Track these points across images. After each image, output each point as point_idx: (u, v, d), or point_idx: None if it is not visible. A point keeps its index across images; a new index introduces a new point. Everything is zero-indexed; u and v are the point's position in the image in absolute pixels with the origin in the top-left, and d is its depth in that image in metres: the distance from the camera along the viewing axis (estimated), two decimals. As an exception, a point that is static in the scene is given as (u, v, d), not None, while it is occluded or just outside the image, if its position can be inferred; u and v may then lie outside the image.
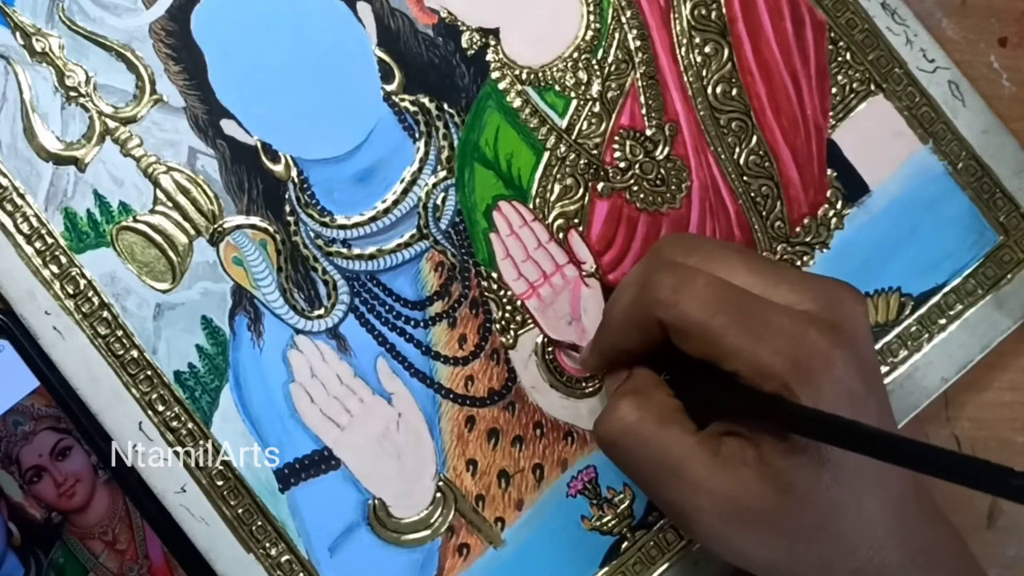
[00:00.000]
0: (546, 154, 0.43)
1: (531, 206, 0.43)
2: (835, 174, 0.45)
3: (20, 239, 0.40)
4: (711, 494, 0.33)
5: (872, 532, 0.34)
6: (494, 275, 0.43)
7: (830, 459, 0.32)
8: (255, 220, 0.42)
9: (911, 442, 0.29)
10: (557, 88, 0.43)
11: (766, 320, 0.33)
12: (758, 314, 0.33)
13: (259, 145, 0.42)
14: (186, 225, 0.41)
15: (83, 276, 0.40)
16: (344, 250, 0.42)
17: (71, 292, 0.40)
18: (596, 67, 0.44)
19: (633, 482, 0.36)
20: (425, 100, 0.43)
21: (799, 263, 0.44)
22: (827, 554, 0.34)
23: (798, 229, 0.44)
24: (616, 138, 0.44)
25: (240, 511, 0.41)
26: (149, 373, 0.41)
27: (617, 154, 0.44)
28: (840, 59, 0.45)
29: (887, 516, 0.34)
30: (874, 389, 0.34)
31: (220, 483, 0.41)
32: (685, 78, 0.44)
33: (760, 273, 0.34)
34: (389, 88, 0.43)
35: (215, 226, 0.41)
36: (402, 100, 0.43)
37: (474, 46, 0.43)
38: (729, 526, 0.33)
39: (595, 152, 0.44)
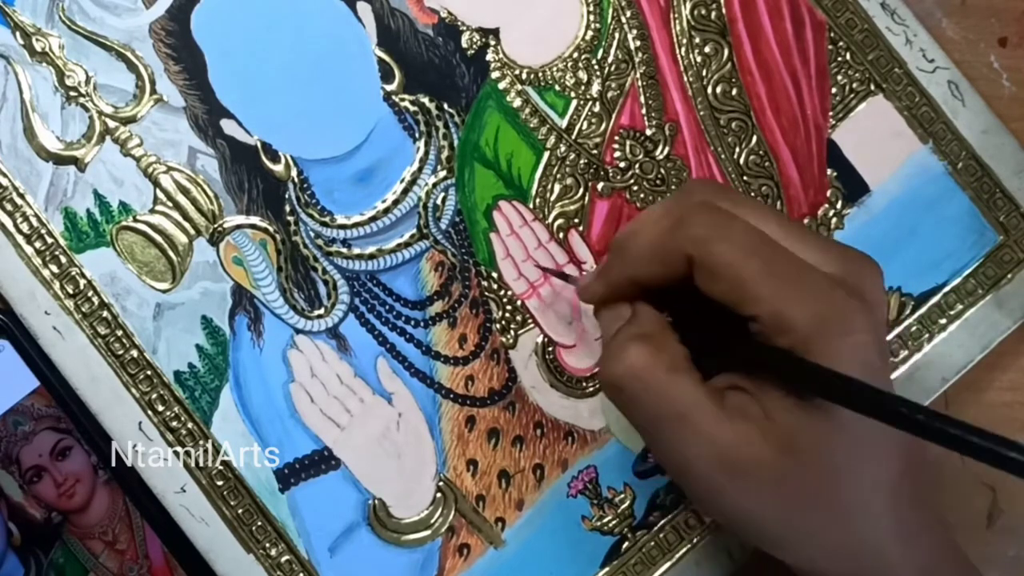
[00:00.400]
0: (546, 154, 0.43)
1: (531, 206, 0.43)
2: (835, 174, 0.45)
3: (20, 239, 0.40)
4: (712, 444, 0.33)
5: (867, 506, 0.34)
6: (494, 275, 0.43)
7: (835, 424, 0.32)
8: (255, 220, 0.42)
9: (925, 409, 0.29)
10: (557, 88, 0.43)
11: (797, 275, 0.32)
12: (789, 268, 0.33)
13: (259, 145, 0.42)
14: (186, 225, 0.41)
15: (83, 276, 0.40)
16: (344, 250, 0.42)
17: (71, 292, 0.40)
18: (596, 67, 0.44)
19: (635, 427, 0.36)
20: (425, 100, 0.43)
21: (799, 263, 0.44)
22: (820, 523, 0.34)
23: (798, 229, 0.44)
24: (616, 138, 0.44)
25: (240, 511, 0.41)
26: (149, 373, 0.41)
27: (617, 154, 0.44)
28: (840, 59, 0.45)
29: (882, 492, 0.34)
30: (886, 361, 0.34)
31: (220, 483, 0.41)
32: (685, 78, 0.44)
33: (789, 231, 0.34)
34: (389, 88, 0.43)
35: (215, 226, 0.41)
36: (402, 100, 0.43)
37: (474, 46, 0.43)
38: (727, 479, 0.33)
39: (595, 152, 0.44)
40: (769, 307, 0.32)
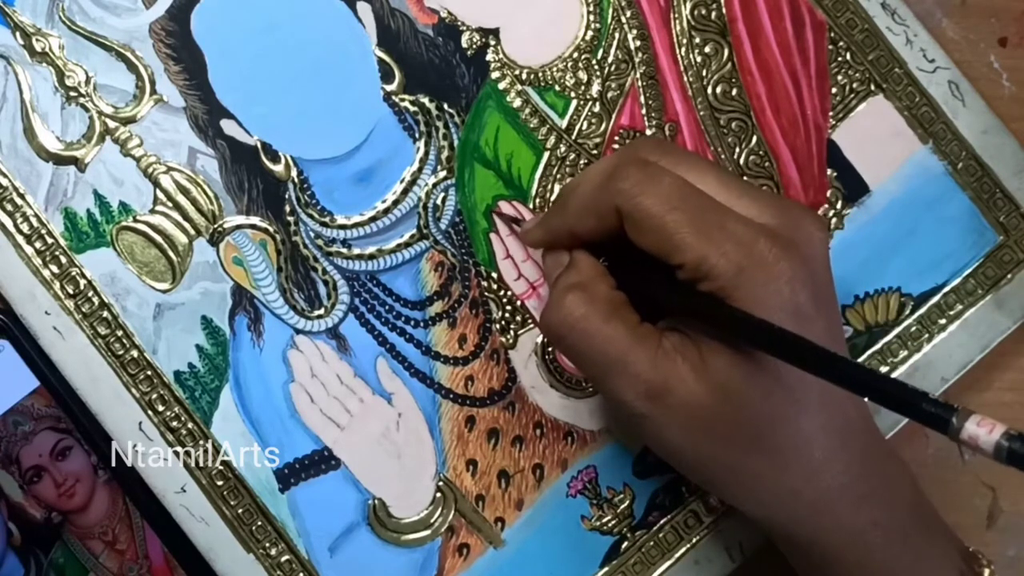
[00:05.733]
0: (546, 154, 0.43)
1: (531, 206, 0.43)
2: (835, 174, 0.45)
3: (20, 239, 0.40)
4: (648, 383, 0.34)
5: (808, 453, 0.34)
6: (494, 275, 0.43)
7: (768, 370, 0.33)
8: (255, 220, 0.42)
9: (836, 356, 0.30)
10: (557, 88, 0.43)
11: (721, 224, 0.33)
12: (715, 218, 0.34)
13: (259, 145, 0.42)
14: (186, 225, 0.41)
15: (83, 276, 0.40)
16: (344, 250, 0.42)
17: (71, 292, 0.40)
18: (596, 67, 0.44)
19: (582, 372, 0.37)
20: (425, 100, 0.43)
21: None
22: (760, 468, 0.34)
23: (798, 229, 0.44)
24: (616, 138, 0.44)
25: (240, 511, 0.41)
26: (149, 373, 0.41)
27: (617, 154, 0.44)
28: (840, 59, 0.45)
29: (827, 440, 0.34)
30: (824, 311, 0.34)
31: (220, 483, 0.41)
32: (685, 78, 0.44)
33: (727, 185, 0.35)
34: (389, 88, 0.43)
35: (215, 226, 0.41)
36: (402, 100, 0.43)
37: (474, 46, 0.43)
38: (663, 416, 0.34)
39: (595, 152, 0.44)
40: (692, 256, 0.33)
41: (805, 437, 0.34)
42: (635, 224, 0.34)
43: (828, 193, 0.44)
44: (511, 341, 0.43)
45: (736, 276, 0.32)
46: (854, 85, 0.45)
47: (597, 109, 0.44)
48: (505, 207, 0.43)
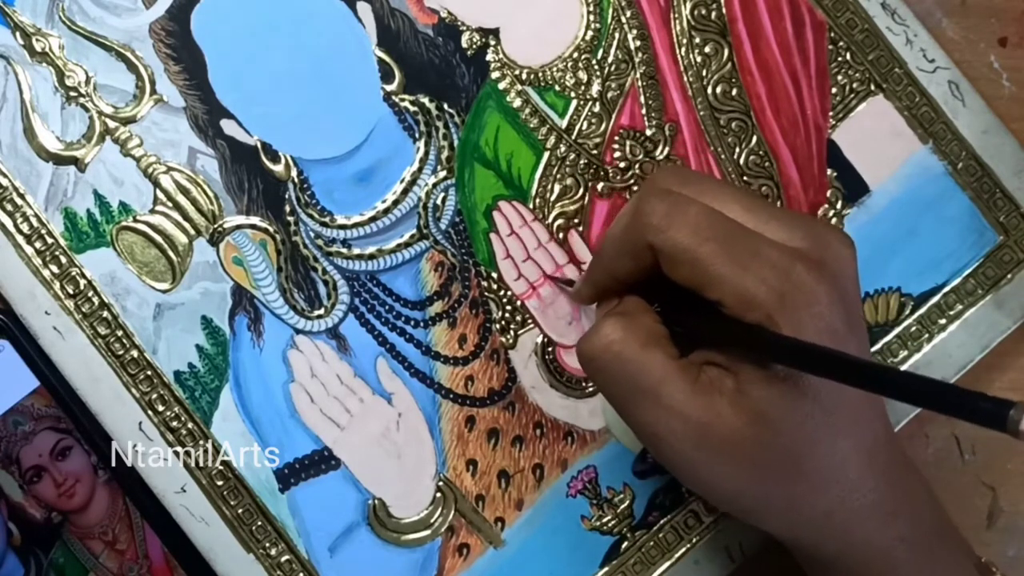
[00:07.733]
0: (546, 154, 0.43)
1: (531, 206, 0.43)
2: (835, 174, 0.45)
3: (20, 239, 0.40)
4: (684, 419, 0.33)
5: (844, 474, 0.34)
6: (494, 275, 0.43)
7: (806, 395, 0.33)
8: (255, 220, 0.42)
9: (891, 370, 0.30)
10: (557, 88, 0.43)
11: (755, 251, 0.33)
12: (747, 245, 0.33)
13: (259, 145, 0.42)
14: (186, 225, 0.41)
15: (83, 276, 0.40)
16: (344, 250, 0.42)
17: (71, 292, 0.40)
18: (596, 67, 0.44)
19: (609, 400, 0.36)
20: (425, 100, 0.43)
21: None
22: (795, 493, 0.34)
23: (798, 229, 0.44)
24: (616, 138, 0.44)
25: (240, 511, 0.41)
26: (149, 373, 0.41)
27: (617, 154, 0.44)
28: (840, 59, 0.45)
29: (860, 459, 0.34)
30: (855, 329, 0.34)
31: (220, 483, 0.41)
32: (685, 78, 0.44)
33: (752, 209, 0.35)
34: (389, 88, 0.43)
35: (215, 226, 0.41)
36: (402, 100, 0.43)
37: (474, 46, 0.43)
38: (699, 452, 0.34)
39: (595, 152, 0.44)
40: (730, 289, 0.33)
41: (841, 458, 0.34)
42: (668, 259, 0.34)
43: (828, 193, 0.44)
44: (511, 341, 0.43)
45: (778, 303, 0.32)
46: (854, 85, 0.45)
47: (597, 109, 0.44)
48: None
